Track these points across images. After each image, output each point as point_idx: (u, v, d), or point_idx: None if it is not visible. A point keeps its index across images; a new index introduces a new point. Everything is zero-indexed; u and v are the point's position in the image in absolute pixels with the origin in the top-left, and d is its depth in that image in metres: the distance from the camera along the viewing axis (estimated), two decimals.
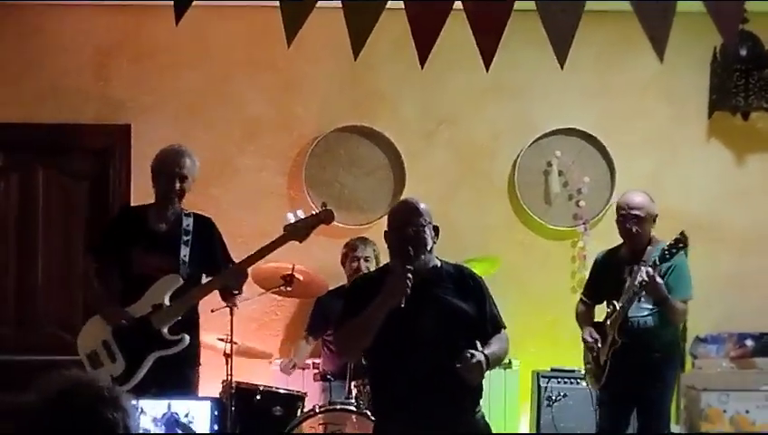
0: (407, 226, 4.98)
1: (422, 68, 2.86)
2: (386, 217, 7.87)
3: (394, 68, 8.04)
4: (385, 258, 7.52)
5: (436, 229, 5.09)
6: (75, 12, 7.99)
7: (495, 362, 5.14)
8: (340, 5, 2.83)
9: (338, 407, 6.49)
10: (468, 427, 5.04)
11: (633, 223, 6.58)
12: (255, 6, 7.85)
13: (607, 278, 6.81)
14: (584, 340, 6.78)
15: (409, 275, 4.79)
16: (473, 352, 4.82)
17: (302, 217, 6.14)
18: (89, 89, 7.97)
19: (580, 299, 7.05)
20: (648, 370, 6.60)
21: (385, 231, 5.10)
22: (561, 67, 2.78)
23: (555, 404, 6.82)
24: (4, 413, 7.44)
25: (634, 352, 6.51)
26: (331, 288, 7.34)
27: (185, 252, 6.24)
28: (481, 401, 5.17)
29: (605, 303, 6.82)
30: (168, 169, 6.23)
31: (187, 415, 6.01)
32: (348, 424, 6.37)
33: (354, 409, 6.39)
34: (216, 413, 6.12)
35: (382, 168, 8.20)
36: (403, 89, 8.19)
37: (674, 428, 7.85)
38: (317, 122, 8.13)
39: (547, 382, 7.68)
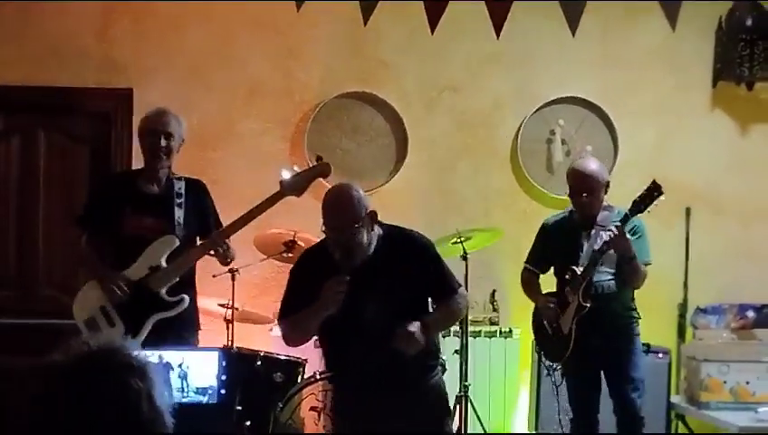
0: (336, 232, 4.86)
1: (432, 33, 2.85)
2: (387, 184, 8.00)
3: (397, 35, 8.00)
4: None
5: (372, 216, 4.91)
6: None
7: (440, 325, 5.21)
8: None
9: None
10: (422, 391, 5.05)
11: (586, 192, 6.43)
12: None
13: (559, 245, 6.64)
14: (543, 309, 6.66)
15: (344, 281, 4.76)
16: (406, 324, 4.81)
17: (298, 172, 6.12)
18: (90, 51, 7.92)
19: (525, 268, 6.86)
20: (615, 332, 6.50)
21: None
22: (573, 34, 2.77)
23: (555, 373, 6.79)
24: (5, 375, 7.51)
25: (599, 316, 6.36)
26: None
27: (179, 214, 6.20)
28: (438, 365, 5.23)
29: (552, 270, 6.71)
30: (152, 126, 6.21)
31: (180, 365, 5.96)
32: None
33: None
34: (224, 364, 6.08)
35: (384, 135, 8.17)
36: (406, 56, 8.15)
37: (673, 398, 7.87)
38: (319, 88, 8.10)
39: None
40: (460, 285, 5.25)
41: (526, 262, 6.87)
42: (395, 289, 4.92)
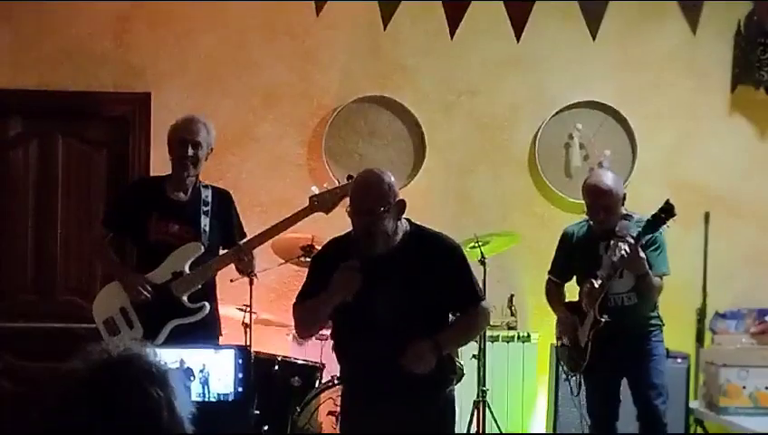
0: (362, 214, 4.77)
1: (452, 38, 2.83)
2: (405, 188, 7.99)
3: (414, 38, 7.99)
4: None
5: (400, 205, 4.83)
6: None
7: (454, 342, 5.06)
8: None
9: None
10: (432, 404, 4.92)
11: (602, 212, 6.34)
12: None
13: (580, 255, 6.55)
14: (561, 321, 6.60)
15: (357, 266, 4.69)
16: (417, 342, 4.70)
17: (328, 188, 6.12)
18: (108, 55, 7.93)
19: (549, 279, 6.76)
20: (635, 342, 6.42)
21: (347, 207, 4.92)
22: (593, 38, 2.76)
23: (573, 378, 6.77)
24: (23, 379, 7.54)
25: (617, 330, 6.28)
26: None
27: (205, 222, 6.21)
28: (452, 377, 5.09)
29: (575, 280, 6.63)
30: (181, 135, 6.19)
31: (202, 370, 5.95)
32: None
33: None
34: (239, 361, 6.07)
35: (402, 139, 8.16)
36: (424, 60, 8.14)
37: (692, 403, 7.84)
38: (337, 92, 8.09)
39: (559, 360, 7.64)
40: (483, 297, 5.12)
41: (549, 272, 6.79)
42: (413, 288, 4.80)
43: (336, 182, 6.36)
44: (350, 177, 6.11)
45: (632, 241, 6.11)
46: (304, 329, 5.18)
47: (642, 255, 6.15)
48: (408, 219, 4.95)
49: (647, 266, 6.20)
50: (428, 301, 4.84)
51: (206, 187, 6.32)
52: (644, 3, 7.83)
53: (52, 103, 7.86)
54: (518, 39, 2.74)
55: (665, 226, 6.13)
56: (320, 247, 5.68)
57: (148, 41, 7.98)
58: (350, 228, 4.90)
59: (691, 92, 8.31)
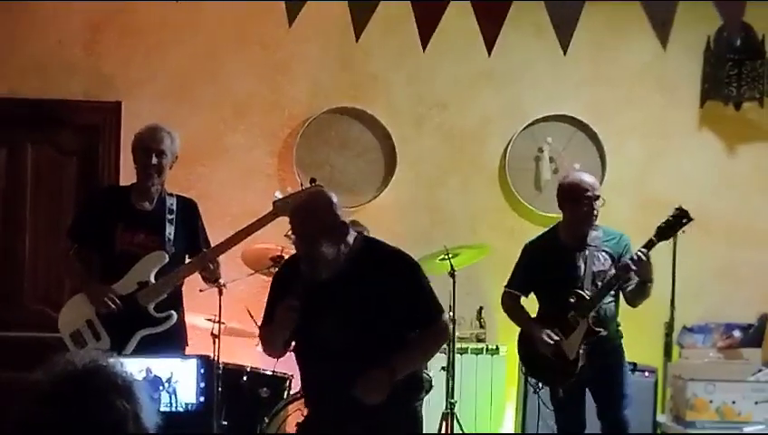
0: (299, 239, 4.68)
1: (424, 51, 2.84)
2: (375, 199, 8.00)
3: (386, 51, 8.01)
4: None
5: (343, 229, 4.70)
6: None
7: (410, 364, 4.81)
8: None
9: None
10: (395, 420, 4.77)
11: (587, 203, 6.33)
12: None
13: (550, 267, 6.47)
14: (543, 339, 6.36)
15: (294, 306, 4.62)
16: (369, 373, 4.56)
17: (291, 193, 6.10)
18: (79, 64, 7.92)
19: (507, 292, 6.67)
20: (609, 353, 6.45)
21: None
22: (564, 53, 2.77)
23: (541, 391, 6.78)
24: None
25: (602, 340, 6.33)
26: None
27: (170, 230, 6.19)
28: (419, 392, 4.99)
29: (541, 294, 6.61)
30: (145, 143, 6.16)
31: (169, 380, 5.92)
32: None
33: None
34: (202, 371, 6.04)
35: (373, 150, 8.18)
36: (395, 72, 8.16)
37: (659, 417, 7.86)
38: (308, 103, 8.10)
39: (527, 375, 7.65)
40: (442, 311, 4.96)
41: (507, 286, 6.70)
42: (364, 310, 4.68)
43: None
44: (312, 180, 6.09)
45: (640, 253, 6.13)
46: (269, 352, 5.17)
47: (644, 258, 6.17)
48: (362, 235, 4.90)
49: (652, 271, 6.28)
50: (382, 322, 4.70)
51: (170, 195, 6.30)
52: (614, 19, 7.87)
53: (22, 111, 7.84)
54: (489, 53, 2.75)
55: (681, 231, 6.21)
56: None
57: (119, 50, 7.97)
58: None
59: (660, 108, 8.36)
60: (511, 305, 6.70)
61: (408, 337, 4.84)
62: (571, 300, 6.32)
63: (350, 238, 4.75)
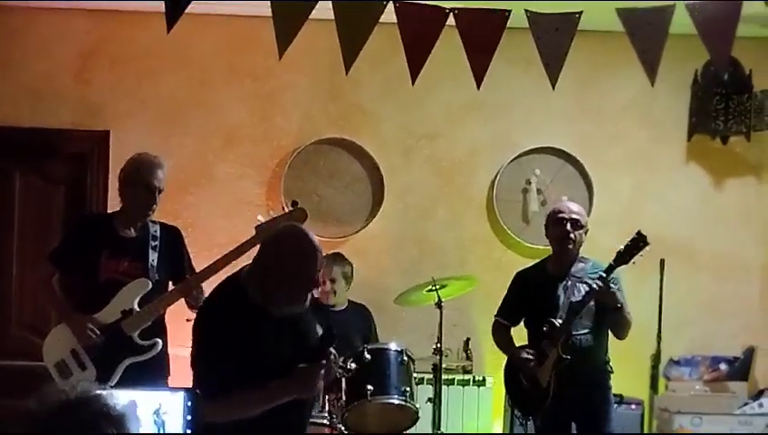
0: (307, 277, 4.59)
1: (413, 84, 2.86)
2: (363, 230, 8.00)
3: (375, 82, 8.04)
4: (361, 271, 7.53)
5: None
6: (55, 15, 7.93)
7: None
8: (332, 19, 2.82)
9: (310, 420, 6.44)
10: None
11: (572, 227, 6.35)
12: (236, 15, 7.86)
13: (534, 297, 6.52)
14: (520, 362, 6.45)
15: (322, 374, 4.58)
16: (303, 368, 4.58)
17: (273, 216, 6.07)
18: (68, 93, 7.92)
19: (497, 321, 6.73)
20: (591, 386, 6.42)
21: (269, 256, 4.62)
22: (553, 87, 2.79)
23: (528, 422, 6.77)
24: None
25: (576, 370, 6.26)
26: None
27: (153, 257, 6.15)
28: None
29: (523, 322, 6.63)
30: (145, 180, 6.11)
31: (157, 411, 5.89)
32: None
33: (327, 422, 6.35)
34: (188, 404, 6.00)
35: (361, 181, 8.18)
36: (384, 103, 8.18)
37: None
38: (297, 134, 8.11)
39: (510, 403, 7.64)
40: None
41: (497, 315, 6.76)
42: (314, 338, 4.75)
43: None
44: (294, 203, 6.07)
45: (599, 279, 6.13)
46: (232, 418, 4.57)
47: (613, 286, 6.16)
48: None
49: (621, 298, 6.23)
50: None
51: (153, 223, 6.27)
52: (602, 53, 7.91)
53: (10, 140, 7.83)
54: (478, 86, 2.77)
55: (639, 255, 6.16)
56: None
57: (109, 79, 7.98)
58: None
59: (648, 141, 8.38)
60: (499, 334, 6.74)
61: None
62: (545, 329, 6.33)
63: None
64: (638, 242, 6.13)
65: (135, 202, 6.16)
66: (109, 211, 7.00)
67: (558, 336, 6.28)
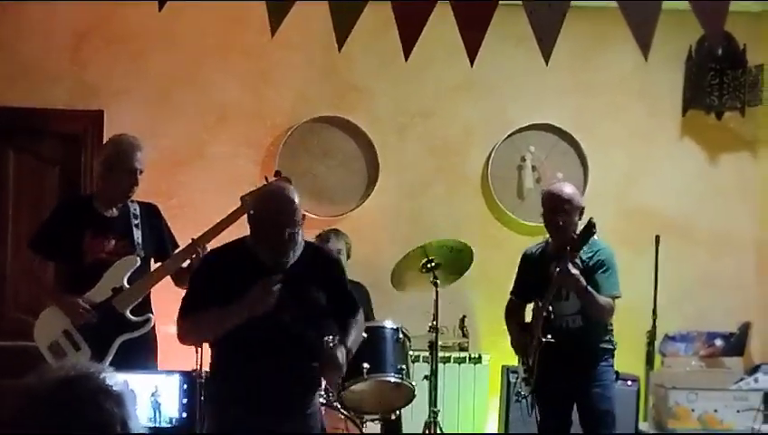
0: (281, 228, 4.75)
1: (406, 60, 2.84)
2: (358, 208, 8.00)
3: (369, 60, 8.02)
4: (357, 250, 7.53)
5: (304, 219, 4.95)
6: None
7: (355, 346, 5.10)
8: None
9: None
10: (307, 407, 5.05)
11: (562, 215, 6.29)
12: None
13: (534, 274, 6.50)
14: (515, 343, 6.57)
15: (274, 282, 4.73)
16: (335, 353, 4.79)
17: (258, 187, 6.08)
18: (62, 72, 7.90)
19: (510, 299, 6.73)
20: (583, 367, 6.34)
21: (251, 214, 4.91)
22: (546, 63, 2.77)
23: (525, 399, 6.77)
24: None
25: (564, 352, 6.22)
26: None
27: (137, 234, 6.20)
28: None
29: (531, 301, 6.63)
30: (128, 165, 6.13)
31: (153, 394, 5.91)
32: None
33: (323, 401, 6.35)
34: (185, 387, 6.03)
35: (356, 159, 8.18)
36: (378, 81, 8.16)
37: (641, 425, 7.87)
38: (291, 112, 8.10)
39: (516, 378, 7.62)
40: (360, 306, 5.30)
41: (511, 292, 6.74)
42: (310, 298, 4.94)
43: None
44: (277, 172, 6.12)
45: (568, 259, 6.07)
46: (194, 341, 5.34)
47: (574, 271, 6.05)
48: None
49: (583, 283, 6.09)
50: (322, 309, 5.00)
51: (132, 202, 6.29)
52: (596, 28, 7.90)
53: (4, 120, 7.81)
54: (472, 63, 2.75)
55: (601, 248, 6.21)
56: None
57: (103, 59, 7.96)
58: None
59: (642, 117, 8.38)
60: (508, 309, 6.72)
61: (339, 324, 5.10)
62: (533, 309, 6.40)
63: None
64: (589, 229, 6.02)
65: (117, 185, 6.19)
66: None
67: (536, 316, 6.31)
